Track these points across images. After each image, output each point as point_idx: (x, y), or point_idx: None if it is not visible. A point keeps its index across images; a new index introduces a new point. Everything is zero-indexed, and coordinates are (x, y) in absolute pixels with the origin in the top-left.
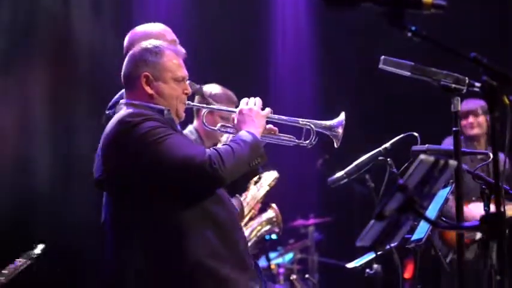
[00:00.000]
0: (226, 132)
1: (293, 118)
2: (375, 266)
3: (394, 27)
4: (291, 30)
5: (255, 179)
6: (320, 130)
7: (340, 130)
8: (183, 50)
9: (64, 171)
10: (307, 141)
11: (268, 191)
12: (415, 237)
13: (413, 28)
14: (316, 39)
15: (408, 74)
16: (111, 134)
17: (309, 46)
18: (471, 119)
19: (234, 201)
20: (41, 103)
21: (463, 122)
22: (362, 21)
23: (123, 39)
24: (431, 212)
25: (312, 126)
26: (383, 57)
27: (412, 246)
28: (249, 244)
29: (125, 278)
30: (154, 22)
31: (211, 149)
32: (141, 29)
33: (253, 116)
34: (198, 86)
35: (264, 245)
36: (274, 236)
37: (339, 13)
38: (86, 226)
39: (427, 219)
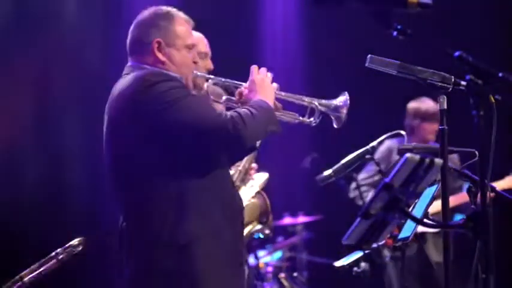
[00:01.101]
0: (232, 105)
1: (298, 95)
2: (363, 264)
3: (380, 26)
4: (280, 28)
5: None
6: (324, 110)
7: (344, 111)
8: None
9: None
10: (311, 119)
11: (258, 192)
12: (401, 235)
13: (398, 27)
14: (306, 38)
15: (395, 72)
16: (128, 91)
17: (299, 44)
18: (436, 125)
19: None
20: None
21: (426, 125)
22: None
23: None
24: (418, 210)
25: (317, 104)
26: (369, 56)
27: (399, 245)
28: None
29: (128, 245)
30: None
31: (230, 111)
32: None
33: (265, 87)
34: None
35: (252, 243)
36: (261, 235)
37: (328, 12)
38: None
39: (413, 218)
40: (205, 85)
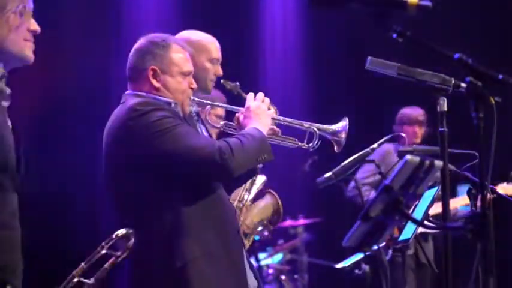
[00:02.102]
0: (230, 131)
1: (297, 120)
2: (363, 266)
3: (380, 28)
4: (279, 29)
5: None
6: (323, 134)
7: (343, 135)
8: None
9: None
10: (310, 144)
11: (268, 192)
12: (402, 237)
13: (398, 29)
14: (305, 39)
15: (395, 74)
16: (119, 121)
17: (298, 46)
18: (417, 128)
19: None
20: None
21: (407, 128)
22: (353, 21)
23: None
24: (419, 212)
25: (316, 129)
26: (369, 58)
27: (399, 247)
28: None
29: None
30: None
31: (220, 140)
32: (196, 36)
33: (260, 114)
34: (233, 84)
35: (253, 246)
36: (257, 237)
37: (327, 12)
38: None
39: (413, 220)
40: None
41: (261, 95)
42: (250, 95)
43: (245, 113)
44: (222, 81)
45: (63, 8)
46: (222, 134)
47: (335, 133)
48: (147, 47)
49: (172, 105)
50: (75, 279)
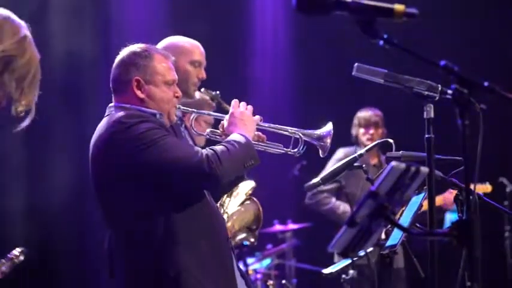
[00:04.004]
0: (215, 138)
1: (282, 126)
2: (351, 271)
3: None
4: (269, 32)
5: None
6: (308, 139)
7: (328, 140)
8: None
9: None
10: (295, 150)
11: (244, 200)
12: (389, 243)
13: (384, 36)
14: (294, 42)
15: (381, 81)
16: (105, 134)
17: (287, 48)
18: (372, 130)
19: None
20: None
21: (361, 130)
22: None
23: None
24: (405, 218)
25: (301, 135)
26: (356, 64)
27: (386, 253)
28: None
29: (117, 278)
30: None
31: (207, 148)
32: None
33: (245, 120)
34: (214, 93)
35: (241, 251)
36: (246, 242)
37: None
38: None
39: (399, 226)
40: (197, 94)
41: (244, 103)
42: (235, 101)
43: (230, 120)
44: (202, 90)
45: (51, 7)
46: (208, 142)
47: (320, 138)
48: (130, 58)
49: (157, 116)
50: None
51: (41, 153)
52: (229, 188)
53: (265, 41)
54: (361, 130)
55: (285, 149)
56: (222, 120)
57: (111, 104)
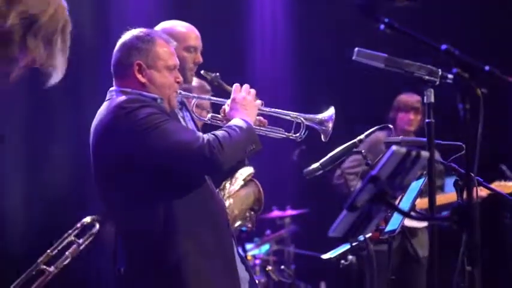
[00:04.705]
0: (216, 123)
1: (284, 111)
2: (350, 257)
3: (368, 19)
4: (269, 20)
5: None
6: (310, 124)
7: (330, 125)
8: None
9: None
10: (297, 135)
11: (242, 186)
12: (388, 228)
13: (386, 20)
14: (294, 30)
15: (382, 66)
16: (106, 120)
17: (287, 36)
18: (412, 115)
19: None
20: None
21: (401, 115)
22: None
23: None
24: (405, 203)
25: (303, 119)
26: (357, 49)
27: (386, 238)
28: None
29: (119, 265)
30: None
31: (208, 134)
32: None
33: (247, 105)
34: (213, 74)
35: (240, 236)
36: (244, 228)
37: (316, 7)
38: None
39: (399, 211)
40: (194, 80)
41: (246, 86)
42: (236, 86)
43: (231, 105)
44: (202, 72)
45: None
46: (209, 126)
47: (322, 122)
48: (132, 42)
49: (158, 100)
50: (40, 267)
51: (41, 140)
52: (230, 173)
53: (264, 32)
54: (400, 114)
55: (286, 133)
56: (223, 105)
57: (111, 88)
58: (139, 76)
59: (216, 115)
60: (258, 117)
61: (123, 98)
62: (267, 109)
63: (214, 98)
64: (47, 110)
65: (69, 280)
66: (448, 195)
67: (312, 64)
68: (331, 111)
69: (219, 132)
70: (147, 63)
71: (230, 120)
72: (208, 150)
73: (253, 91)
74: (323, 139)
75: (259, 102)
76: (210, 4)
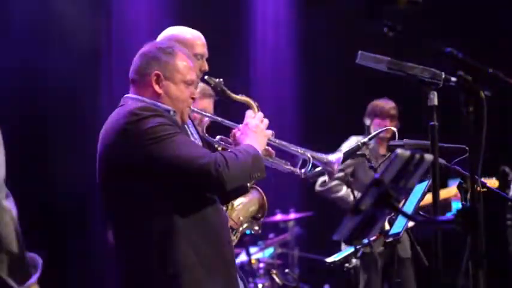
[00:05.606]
0: (225, 146)
1: (292, 145)
2: (354, 260)
3: (372, 21)
4: (271, 21)
5: None
6: (316, 162)
7: (335, 167)
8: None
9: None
10: (302, 170)
11: (251, 187)
12: (393, 231)
13: (388, 23)
14: (296, 31)
15: (385, 69)
16: (117, 124)
17: (289, 37)
18: (388, 122)
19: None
20: None
21: (377, 122)
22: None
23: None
24: (409, 206)
25: (309, 156)
26: (360, 52)
27: (390, 241)
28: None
29: (119, 276)
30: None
31: (216, 152)
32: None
33: (258, 133)
34: (217, 80)
35: (244, 240)
36: (249, 231)
37: (318, 11)
38: None
39: (403, 213)
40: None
41: (260, 114)
42: (250, 112)
43: (243, 129)
44: (206, 77)
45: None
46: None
47: (328, 163)
48: (153, 52)
49: (171, 112)
50: None
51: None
52: (233, 196)
53: (266, 34)
54: (376, 120)
55: (292, 168)
56: (234, 128)
57: (126, 95)
58: (156, 86)
59: (226, 138)
60: (266, 147)
61: (136, 104)
62: (277, 141)
63: (227, 121)
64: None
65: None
66: (443, 191)
67: (315, 66)
68: (338, 155)
69: (227, 153)
70: (165, 75)
71: (238, 144)
72: (214, 167)
73: (266, 121)
74: (326, 179)
75: (270, 132)
76: (210, 4)
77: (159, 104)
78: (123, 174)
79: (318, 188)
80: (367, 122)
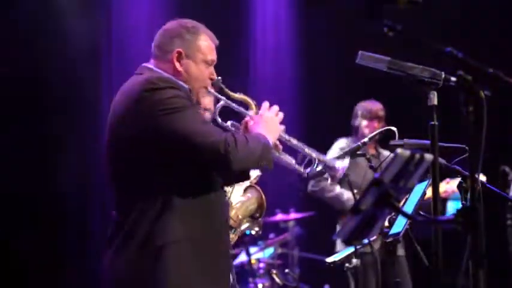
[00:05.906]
0: (236, 131)
1: (301, 144)
2: (354, 260)
3: (372, 21)
4: (271, 21)
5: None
6: (321, 165)
7: (340, 173)
8: None
9: None
10: (306, 170)
11: (246, 188)
12: (393, 231)
13: (388, 23)
14: (296, 31)
15: (385, 68)
16: (134, 90)
17: (289, 37)
18: (376, 124)
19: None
20: None
21: (365, 123)
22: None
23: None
24: (409, 206)
25: (315, 157)
26: (360, 52)
27: (390, 240)
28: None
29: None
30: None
31: (227, 132)
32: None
33: (272, 125)
34: (216, 78)
35: (244, 240)
36: (249, 231)
37: (318, 12)
38: None
39: (403, 213)
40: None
41: (276, 108)
42: (266, 103)
43: (257, 119)
44: None
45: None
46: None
47: (332, 168)
48: (177, 29)
49: (187, 90)
50: None
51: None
52: (235, 180)
53: (266, 34)
54: (364, 122)
55: (296, 166)
56: (246, 116)
57: (144, 64)
58: (177, 64)
59: (237, 124)
60: (275, 141)
61: (155, 74)
62: (286, 137)
63: (242, 110)
64: (46, 110)
65: None
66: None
67: (315, 66)
68: (345, 163)
69: (238, 135)
70: (187, 53)
71: (250, 133)
72: (223, 146)
73: (281, 114)
74: (329, 182)
75: (283, 127)
76: (210, 4)
77: (176, 80)
78: (132, 141)
79: (310, 188)
80: (355, 123)
